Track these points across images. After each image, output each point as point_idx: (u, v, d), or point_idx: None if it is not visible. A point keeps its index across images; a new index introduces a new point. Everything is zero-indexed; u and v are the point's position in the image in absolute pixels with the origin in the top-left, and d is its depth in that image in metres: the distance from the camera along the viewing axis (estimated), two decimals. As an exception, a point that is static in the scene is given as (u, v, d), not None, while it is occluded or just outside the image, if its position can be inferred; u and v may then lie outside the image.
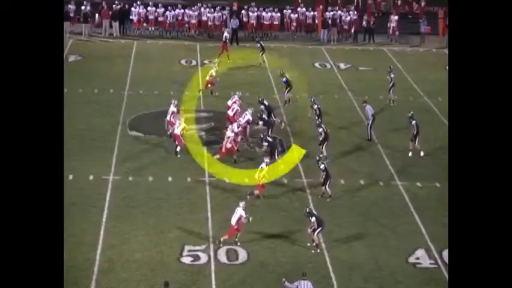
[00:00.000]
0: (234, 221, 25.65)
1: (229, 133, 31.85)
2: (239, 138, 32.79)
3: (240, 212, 25.69)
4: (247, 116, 33.73)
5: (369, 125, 35.11)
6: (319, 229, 25.68)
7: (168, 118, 34.04)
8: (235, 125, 32.75)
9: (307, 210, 26.22)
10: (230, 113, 34.64)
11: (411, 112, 34.03)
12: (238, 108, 34.79)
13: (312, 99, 36.09)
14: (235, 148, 31.99)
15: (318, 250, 25.65)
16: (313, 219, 25.72)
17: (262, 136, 32.87)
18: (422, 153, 33.32)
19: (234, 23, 50.65)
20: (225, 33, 47.20)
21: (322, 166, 29.28)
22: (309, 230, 25.83)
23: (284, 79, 38.98)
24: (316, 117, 34.65)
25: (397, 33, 52.92)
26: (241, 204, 25.93)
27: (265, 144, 32.26)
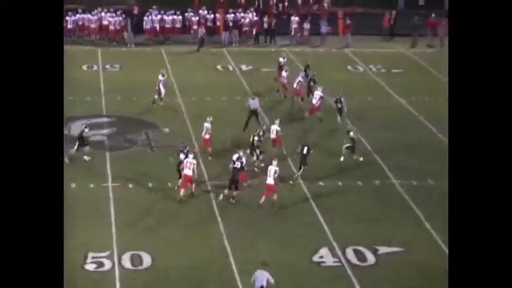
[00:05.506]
0: (270, 180, 28.17)
1: None
2: None
3: (273, 168, 28.28)
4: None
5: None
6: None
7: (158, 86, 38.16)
8: None
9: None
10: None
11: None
12: None
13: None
14: None
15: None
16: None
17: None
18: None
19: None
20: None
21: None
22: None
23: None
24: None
25: (299, 34, 53.42)
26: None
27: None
